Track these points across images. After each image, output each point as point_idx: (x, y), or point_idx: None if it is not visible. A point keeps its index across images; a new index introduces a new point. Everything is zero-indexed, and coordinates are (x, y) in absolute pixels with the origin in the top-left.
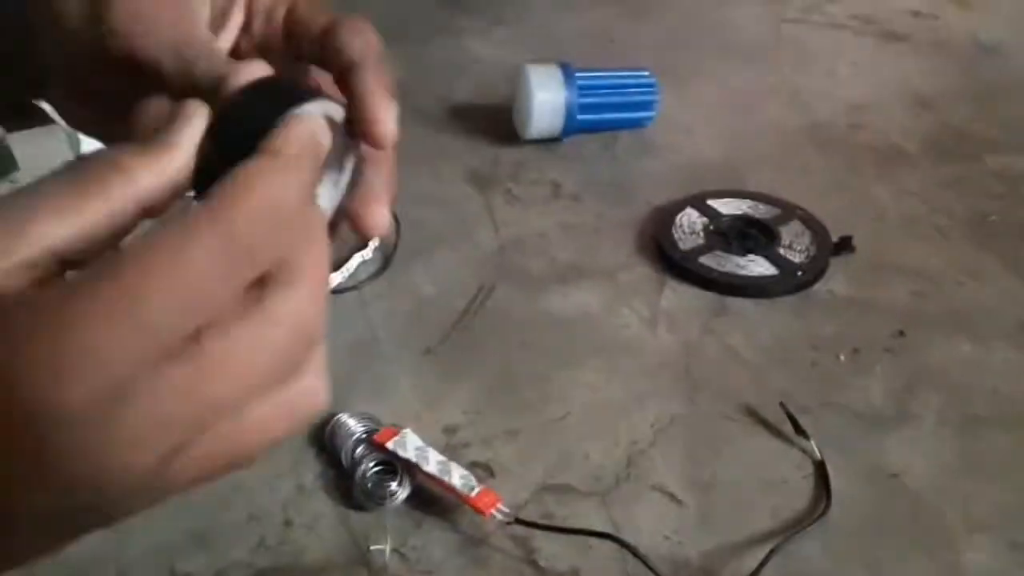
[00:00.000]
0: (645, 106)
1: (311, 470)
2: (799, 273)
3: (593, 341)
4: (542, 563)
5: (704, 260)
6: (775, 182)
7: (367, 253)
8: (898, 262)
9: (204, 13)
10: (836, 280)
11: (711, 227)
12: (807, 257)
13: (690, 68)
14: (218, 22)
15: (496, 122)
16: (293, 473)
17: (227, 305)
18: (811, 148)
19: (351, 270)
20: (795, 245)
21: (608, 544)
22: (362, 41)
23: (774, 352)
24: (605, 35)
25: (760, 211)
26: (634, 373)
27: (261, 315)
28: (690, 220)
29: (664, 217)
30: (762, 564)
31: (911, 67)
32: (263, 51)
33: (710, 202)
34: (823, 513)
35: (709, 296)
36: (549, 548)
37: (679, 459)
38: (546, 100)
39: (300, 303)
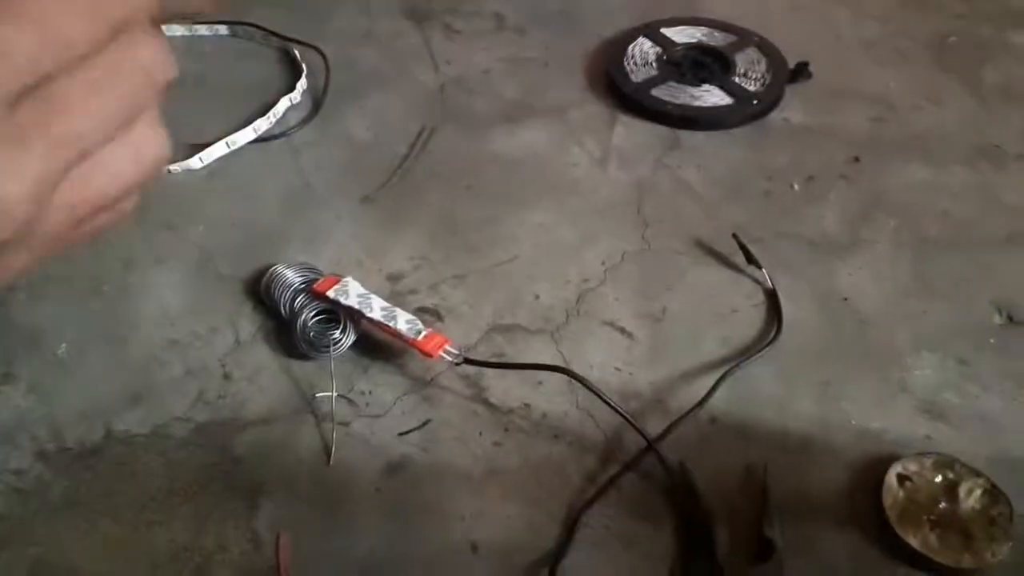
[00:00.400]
0: None
1: (249, 323)
2: (755, 102)
3: (542, 182)
4: (493, 400)
5: (657, 92)
6: (731, 8)
7: (295, 96)
8: (856, 87)
9: None
10: (792, 108)
11: (664, 57)
12: (763, 85)
13: None
14: None
15: None
16: (229, 327)
17: (80, 49)
18: None
19: (279, 115)
20: (751, 73)
21: (558, 379)
22: None
23: (728, 184)
24: None
25: (715, 39)
26: (585, 213)
27: (110, 59)
28: (642, 51)
29: (615, 49)
30: (712, 390)
31: None
32: None
33: (663, 31)
34: (773, 339)
35: (662, 130)
36: (499, 385)
37: (630, 295)
38: None
39: (147, 51)
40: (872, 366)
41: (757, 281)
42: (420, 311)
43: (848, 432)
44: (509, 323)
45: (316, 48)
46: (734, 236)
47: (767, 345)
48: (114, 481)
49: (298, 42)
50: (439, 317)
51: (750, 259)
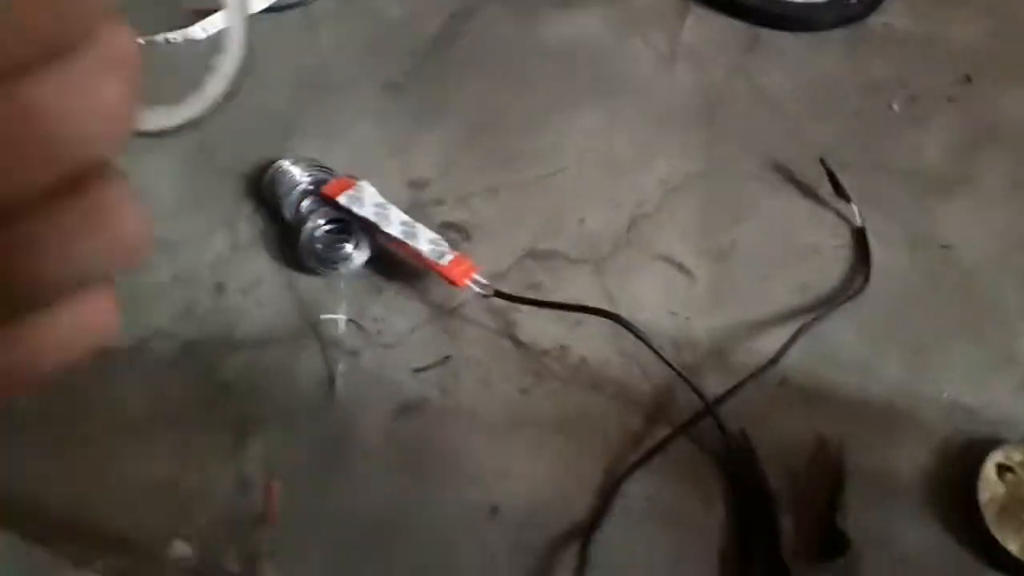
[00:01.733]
0: None
1: (248, 226)
2: (852, 1)
3: (596, 79)
4: (523, 339)
5: None
6: None
7: None
8: None
9: None
10: (895, 11)
11: None
12: None
13: None
14: None
15: None
16: (226, 228)
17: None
18: None
19: None
20: None
21: (602, 319)
22: None
23: (814, 98)
24: None
25: None
26: (644, 120)
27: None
28: None
29: None
30: (786, 347)
31: None
32: None
33: None
34: (860, 289)
35: (741, 27)
36: (532, 322)
37: (691, 225)
38: None
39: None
40: (973, 329)
41: (843, 217)
42: (445, 226)
43: (940, 407)
44: (547, 248)
45: None
46: (821, 161)
47: (852, 296)
48: (87, 401)
49: None
50: (467, 236)
51: (838, 190)
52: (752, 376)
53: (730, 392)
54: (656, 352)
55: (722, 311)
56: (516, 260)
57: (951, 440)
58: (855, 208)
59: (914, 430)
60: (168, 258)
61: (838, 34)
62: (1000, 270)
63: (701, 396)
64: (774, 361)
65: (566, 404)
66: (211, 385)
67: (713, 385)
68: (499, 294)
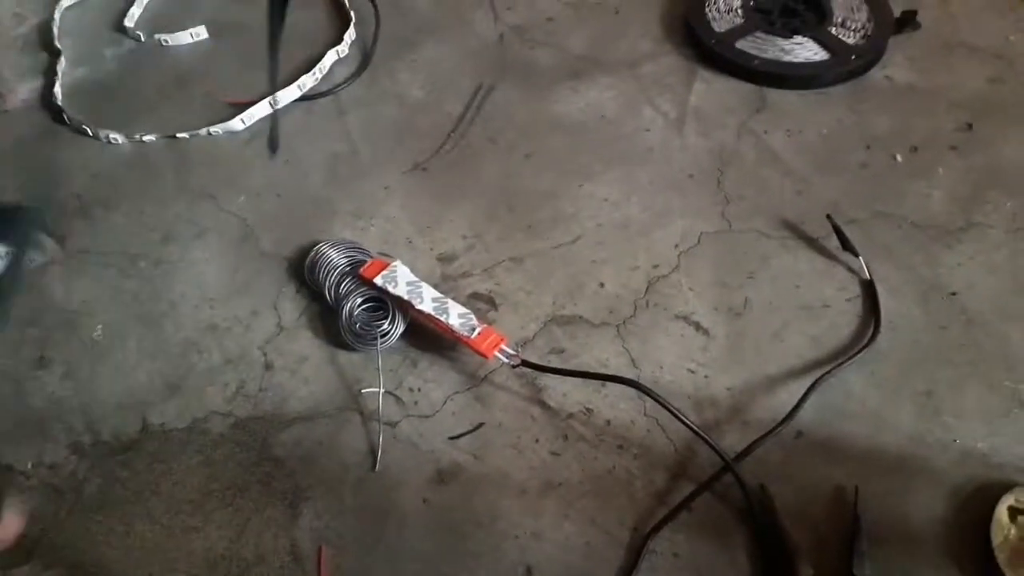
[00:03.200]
0: None
1: (292, 306)
2: (853, 57)
3: (610, 149)
4: (551, 404)
5: (742, 45)
6: None
7: (342, 49)
8: (970, 41)
9: None
10: (896, 64)
11: (751, 4)
12: (863, 37)
13: None
14: None
15: None
16: (271, 310)
17: None
18: None
19: (324, 70)
20: (849, 23)
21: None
22: None
23: (821, 154)
24: None
25: None
26: (657, 186)
27: None
28: None
29: None
30: (800, 402)
31: None
32: None
33: None
34: (869, 341)
35: (747, 88)
36: (559, 386)
37: (707, 284)
38: None
39: None
40: (982, 375)
41: (852, 270)
42: (473, 297)
43: (951, 452)
44: (570, 314)
45: None
46: (828, 218)
47: (862, 349)
48: (150, 480)
49: None
50: (494, 305)
51: (845, 245)
52: (769, 432)
53: (749, 449)
54: (676, 415)
55: (739, 367)
56: (541, 326)
57: (964, 486)
58: (863, 262)
59: (928, 477)
60: (219, 342)
61: (841, 89)
62: (1006, 315)
63: (721, 456)
64: (789, 416)
65: (594, 465)
66: (264, 460)
67: (733, 440)
68: (525, 363)
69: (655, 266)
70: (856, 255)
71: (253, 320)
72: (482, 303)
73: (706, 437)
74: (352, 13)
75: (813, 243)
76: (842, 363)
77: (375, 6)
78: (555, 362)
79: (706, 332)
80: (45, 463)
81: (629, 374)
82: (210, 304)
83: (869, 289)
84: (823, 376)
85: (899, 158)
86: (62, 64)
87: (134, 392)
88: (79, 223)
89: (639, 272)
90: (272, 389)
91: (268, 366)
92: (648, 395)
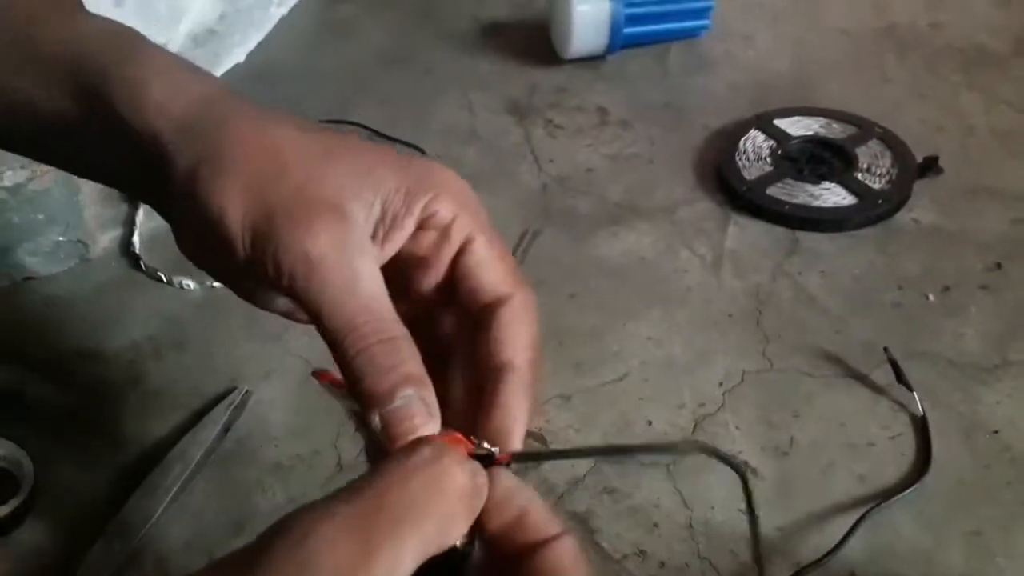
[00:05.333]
0: (699, 13)
1: (351, 445)
2: (880, 201)
3: (651, 289)
4: (604, 545)
5: (772, 191)
6: (848, 96)
7: None
8: (993, 184)
9: (364, 220)
10: (922, 207)
11: (779, 152)
12: (888, 182)
13: None
14: (386, 226)
15: (532, 41)
16: (331, 449)
17: None
18: (887, 54)
19: None
20: (874, 169)
21: (675, 522)
22: (525, 337)
23: (854, 294)
24: None
25: (833, 131)
26: (698, 325)
27: None
28: (755, 145)
29: (726, 143)
30: (850, 532)
31: None
32: (416, 264)
33: (777, 122)
34: (921, 476)
35: (780, 231)
36: (611, 528)
37: (752, 423)
38: (588, 12)
39: None
40: None
41: (894, 408)
42: (525, 434)
43: None
44: None
45: (419, 148)
46: (885, 350)
47: (914, 483)
48: None
49: (402, 142)
50: (544, 443)
51: (900, 378)
52: (817, 561)
53: None
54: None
55: (788, 508)
56: (592, 465)
57: None
58: (916, 396)
59: None
60: (281, 481)
61: (870, 232)
62: None
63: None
64: (837, 548)
65: None
66: None
67: None
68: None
69: (701, 404)
70: (911, 389)
71: (314, 459)
72: (533, 440)
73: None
74: None
75: (854, 382)
76: (892, 499)
77: None
78: (607, 502)
79: (754, 472)
80: None
81: (681, 516)
82: (275, 443)
83: (922, 426)
84: (872, 508)
85: (931, 298)
86: (140, 215)
87: (201, 532)
88: (152, 364)
89: (685, 410)
90: None
91: None
92: (716, 456)
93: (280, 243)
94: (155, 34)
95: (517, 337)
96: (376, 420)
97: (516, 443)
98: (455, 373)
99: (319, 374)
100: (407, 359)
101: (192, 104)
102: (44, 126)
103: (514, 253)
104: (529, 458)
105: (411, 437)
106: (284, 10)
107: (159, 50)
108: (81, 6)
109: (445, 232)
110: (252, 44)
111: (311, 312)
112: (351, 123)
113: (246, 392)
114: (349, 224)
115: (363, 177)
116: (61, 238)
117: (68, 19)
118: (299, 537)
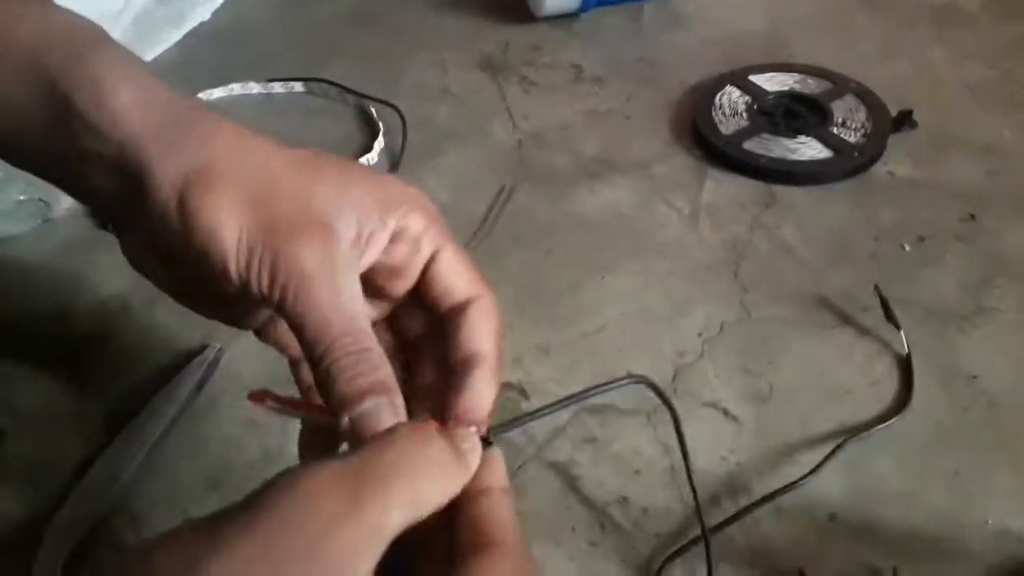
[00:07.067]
0: None
1: None
2: (856, 154)
3: (628, 243)
4: (587, 493)
5: (749, 145)
6: (823, 51)
7: (372, 156)
8: (965, 136)
9: (348, 237)
10: (897, 160)
11: (755, 107)
12: (863, 135)
13: None
14: (363, 241)
15: None
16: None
17: None
18: (858, 11)
19: None
20: (849, 123)
21: (658, 468)
22: (491, 333)
23: (831, 245)
24: None
25: (809, 86)
26: (676, 277)
27: None
28: (731, 100)
29: (701, 98)
30: (823, 462)
31: None
32: (389, 272)
33: (752, 78)
34: (902, 410)
35: (756, 185)
36: (594, 476)
37: (732, 371)
38: None
39: None
40: (1007, 455)
41: (871, 354)
42: (505, 387)
43: (986, 533)
44: (600, 403)
45: (392, 105)
46: (876, 288)
47: (895, 415)
48: None
49: (373, 99)
50: (525, 395)
51: (889, 317)
52: (793, 485)
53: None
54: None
55: (769, 453)
56: (572, 415)
57: (1001, 566)
58: (903, 334)
59: (964, 558)
60: (257, 438)
61: (846, 185)
62: None
63: (702, 522)
64: (814, 472)
65: (632, 555)
66: None
67: (769, 527)
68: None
69: (680, 354)
70: (898, 328)
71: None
72: (513, 393)
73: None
74: (380, 124)
75: (832, 330)
76: (873, 429)
77: (402, 117)
78: (587, 450)
79: (735, 419)
80: None
81: (663, 462)
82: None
83: (906, 361)
84: (850, 438)
85: (907, 248)
86: None
87: (175, 489)
88: (121, 322)
89: (664, 360)
90: None
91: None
92: (652, 389)
93: (275, 259)
94: None
95: (485, 332)
96: (345, 421)
97: (484, 422)
98: (424, 367)
99: (256, 397)
100: (378, 367)
101: (163, 112)
102: (15, 126)
103: (490, 210)
104: (501, 429)
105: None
106: None
107: (123, 50)
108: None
109: (416, 244)
110: (218, 2)
111: (294, 324)
112: (322, 80)
113: (219, 349)
114: (337, 241)
115: (344, 195)
116: (21, 196)
117: (36, 12)
118: (289, 489)
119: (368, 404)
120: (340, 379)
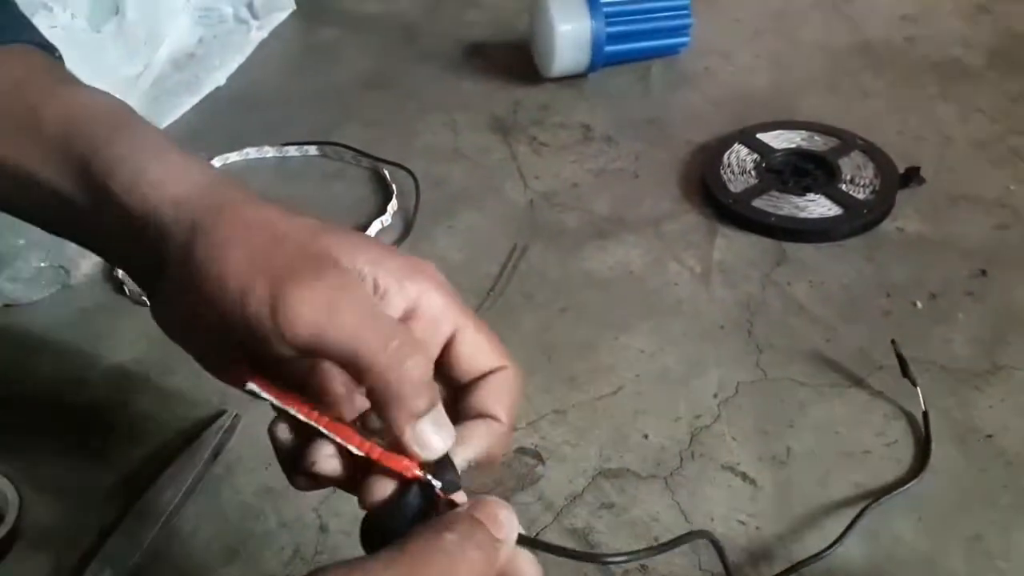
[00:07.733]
0: (678, 31)
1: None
2: (865, 211)
3: (642, 302)
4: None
5: (758, 203)
6: (828, 108)
7: (386, 218)
8: (973, 192)
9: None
10: (905, 216)
11: (763, 165)
12: (872, 192)
13: None
14: (379, 296)
15: (514, 61)
16: None
17: None
18: (864, 68)
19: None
20: (858, 179)
21: (676, 534)
22: (511, 401)
23: (843, 303)
24: None
25: (816, 143)
26: (690, 337)
27: None
28: (739, 158)
29: (710, 156)
30: (846, 531)
31: None
32: None
33: (759, 136)
34: (919, 472)
35: (767, 243)
36: (611, 541)
37: (749, 433)
38: (569, 32)
39: None
40: None
41: (887, 415)
42: (520, 452)
43: None
44: (617, 467)
45: (405, 167)
46: (892, 343)
47: (912, 480)
48: None
49: (387, 162)
50: (541, 460)
51: (905, 373)
52: (817, 556)
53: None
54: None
55: (788, 517)
56: (590, 480)
57: None
58: (920, 392)
59: None
60: (274, 506)
61: (856, 241)
62: None
63: None
64: (838, 541)
65: None
66: None
67: None
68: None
69: (696, 416)
70: (915, 384)
71: None
72: (529, 457)
73: None
74: (393, 186)
75: (847, 389)
76: (895, 492)
77: (415, 179)
78: (607, 516)
79: (753, 482)
80: None
81: (680, 528)
82: (266, 466)
83: (923, 419)
84: (872, 503)
85: (919, 305)
86: None
87: (194, 560)
88: (139, 389)
89: (681, 422)
90: (328, 551)
91: (323, 528)
92: (714, 546)
93: (291, 297)
94: (135, 59)
95: (505, 398)
96: (409, 433)
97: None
98: None
99: (253, 379)
100: (430, 372)
101: (190, 186)
102: (45, 199)
103: (503, 269)
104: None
105: (434, 457)
106: (264, 33)
107: (151, 128)
108: (75, 78)
109: (435, 324)
110: (232, 67)
111: (334, 354)
112: (336, 144)
113: (235, 416)
114: (351, 274)
115: (355, 249)
116: (42, 264)
117: (66, 92)
118: None
119: (428, 417)
120: (404, 392)
